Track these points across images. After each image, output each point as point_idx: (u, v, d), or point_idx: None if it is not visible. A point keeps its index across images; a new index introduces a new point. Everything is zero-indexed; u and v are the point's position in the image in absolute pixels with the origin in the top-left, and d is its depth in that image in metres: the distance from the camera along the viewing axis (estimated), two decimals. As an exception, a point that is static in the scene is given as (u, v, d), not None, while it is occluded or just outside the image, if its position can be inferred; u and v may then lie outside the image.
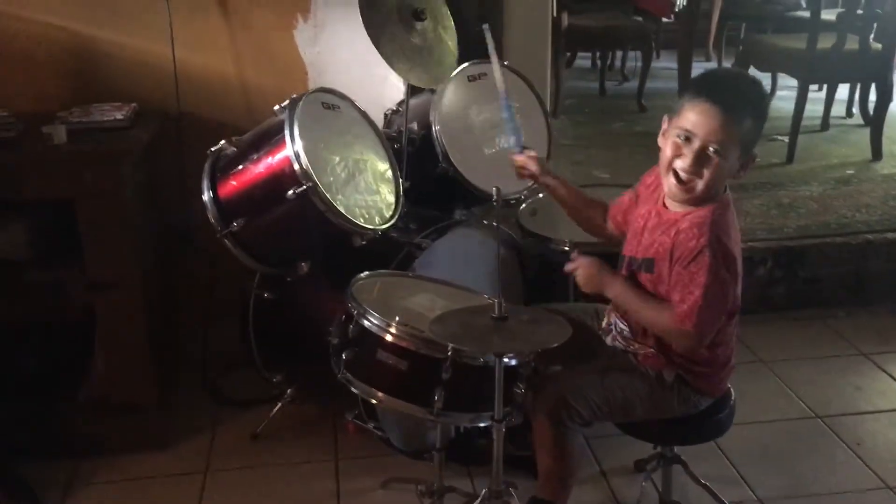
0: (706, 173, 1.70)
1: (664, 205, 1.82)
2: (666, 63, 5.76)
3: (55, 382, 2.45)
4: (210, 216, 2.19)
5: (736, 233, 1.78)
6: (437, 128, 2.39)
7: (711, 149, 1.67)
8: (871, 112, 4.28)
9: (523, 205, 2.60)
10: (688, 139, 1.69)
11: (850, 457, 2.37)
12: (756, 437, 2.45)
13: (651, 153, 1.83)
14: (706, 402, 1.89)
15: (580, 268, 1.87)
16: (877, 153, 4.11)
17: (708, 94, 1.67)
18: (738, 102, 1.68)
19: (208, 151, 2.25)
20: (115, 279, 2.30)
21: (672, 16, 5.33)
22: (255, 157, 2.15)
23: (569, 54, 5.59)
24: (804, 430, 2.51)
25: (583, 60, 6.00)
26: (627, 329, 1.89)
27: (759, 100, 1.75)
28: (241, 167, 2.17)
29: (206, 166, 2.22)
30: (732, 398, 1.95)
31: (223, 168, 2.21)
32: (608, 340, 1.95)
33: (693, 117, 1.67)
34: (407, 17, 2.34)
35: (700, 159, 1.69)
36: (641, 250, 1.84)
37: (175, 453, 2.43)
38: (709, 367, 1.84)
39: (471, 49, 2.54)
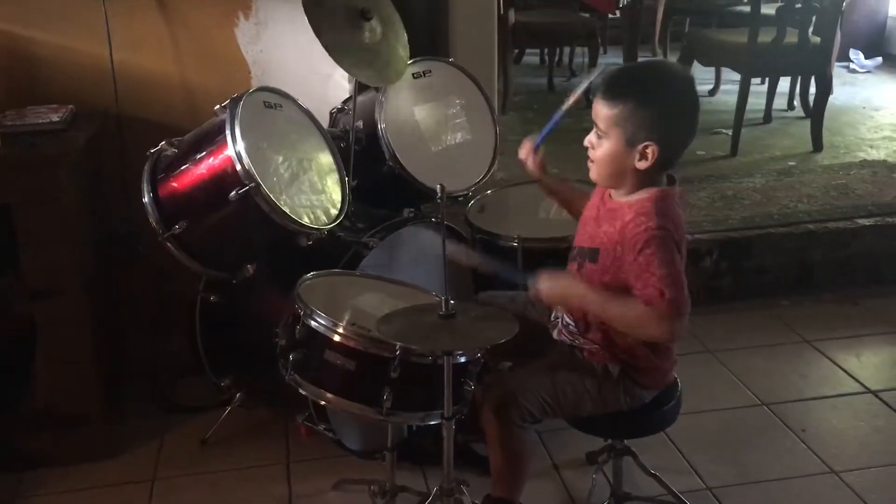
0: (597, 153, 1.79)
1: (609, 195, 1.86)
2: (612, 58, 5.81)
3: (-4, 394, 2.38)
4: (151, 219, 2.14)
5: (682, 223, 1.79)
6: (383, 126, 2.38)
7: (597, 131, 1.78)
8: (812, 104, 4.38)
9: (472, 201, 2.61)
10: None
11: (796, 443, 2.42)
12: (704, 426, 2.48)
13: (598, 148, 1.84)
14: (650, 395, 1.90)
15: (543, 290, 1.81)
16: (817, 145, 4.20)
17: (598, 86, 1.80)
18: (613, 87, 1.75)
19: (148, 153, 2.20)
20: (55, 287, 2.24)
21: (617, 12, 5.39)
22: (197, 158, 2.12)
23: (516, 51, 5.61)
24: (751, 418, 2.55)
25: (531, 57, 6.03)
26: (573, 324, 1.90)
27: (644, 85, 1.75)
28: (182, 168, 2.13)
29: (146, 168, 2.18)
30: (678, 389, 1.97)
31: (164, 170, 2.17)
32: (554, 334, 1.95)
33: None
34: (353, 17, 2.32)
35: (592, 141, 1.80)
36: (587, 240, 1.86)
37: (122, 462, 2.38)
38: (649, 362, 1.85)
39: (419, 47, 2.53)
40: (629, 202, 1.78)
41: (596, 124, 1.77)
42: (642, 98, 1.71)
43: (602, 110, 1.75)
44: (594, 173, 1.82)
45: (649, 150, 1.71)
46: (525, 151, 2.07)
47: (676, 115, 1.74)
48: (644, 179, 1.77)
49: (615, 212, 1.80)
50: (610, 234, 1.78)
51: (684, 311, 1.69)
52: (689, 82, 1.81)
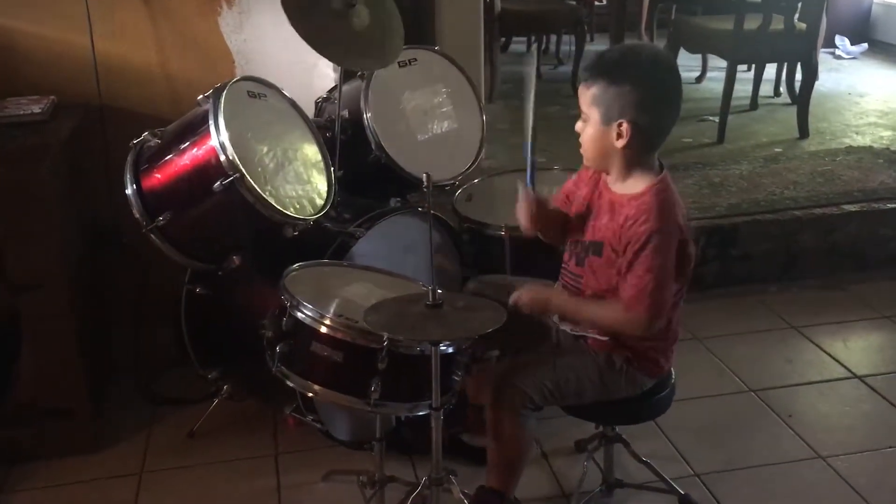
0: (583, 136, 1.82)
1: (606, 185, 1.85)
2: (599, 46, 5.80)
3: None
4: (134, 211, 2.13)
5: (682, 210, 1.80)
6: (369, 115, 2.36)
7: (582, 116, 1.81)
8: (798, 91, 4.38)
9: (458, 190, 2.60)
10: None
11: (783, 429, 2.43)
12: (693, 413, 2.48)
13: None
14: (650, 382, 1.91)
15: (523, 297, 1.84)
16: (803, 131, 4.21)
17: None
18: (590, 68, 1.78)
19: (131, 144, 2.18)
20: (39, 280, 2.22)
21: (604, -1, 5.38)
22: (180, 148, 2.10)
23: (503, 39, 5.58)
24: (738, 404, 2.56)
25: (518, 45, 6.01)
26: None
27: (616, 63, 1.75)
28: (165, 159, 2.12)
29: (129, 159, 2.16)
30: (673, 378, 1.97)
31: (147, 161, 2.15)
32: (556, 320, 1.95)
33: None
34: (337, 5, 2.29)
35: (579, 127, 1.83)
36: (588, 234, 1.85)
37: (109, 456, 2.37)
38: (659, 351, 1.87)
39: (405, 35, 2.51)
40: (631, 195, 1.78)
41: (580, 109, 1.80)
42: (614, 75, 1.73)
43: (583, 93, 1.78)
44: (585, 157, 1.85)
45: (623, 128, 1.73)
46: (527, 203, 1.86)
47: (650, 93, 1.73)
48: (631, 160, 1.78)
49: (615, 204, 1.80)
50: (612, 228, 1.78)
51: (659, 319, 1.76)
52: (667, 64, 1.81)
